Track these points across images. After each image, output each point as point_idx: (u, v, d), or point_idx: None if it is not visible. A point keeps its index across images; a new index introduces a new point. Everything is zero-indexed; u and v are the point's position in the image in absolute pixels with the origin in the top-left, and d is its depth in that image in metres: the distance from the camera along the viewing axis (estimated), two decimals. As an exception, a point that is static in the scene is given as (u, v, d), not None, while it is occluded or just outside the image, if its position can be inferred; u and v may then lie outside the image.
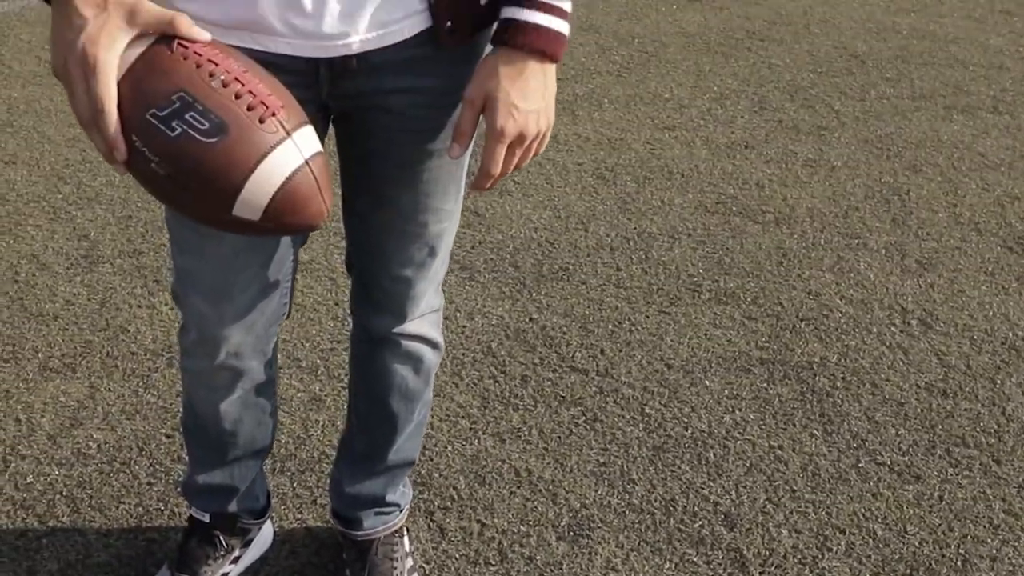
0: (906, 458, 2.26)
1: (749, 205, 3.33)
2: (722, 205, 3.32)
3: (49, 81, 4.02)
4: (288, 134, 1.13)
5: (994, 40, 5.07)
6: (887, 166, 3.66)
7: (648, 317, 2.71)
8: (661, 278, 2.89)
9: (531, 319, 2.68)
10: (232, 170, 1.10)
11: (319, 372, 2.43)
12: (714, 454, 2.24)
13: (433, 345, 1.66)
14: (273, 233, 1.18)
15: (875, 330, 2.70)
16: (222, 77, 1.11)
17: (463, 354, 2.52)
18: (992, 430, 2.36)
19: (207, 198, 1.12)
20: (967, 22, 5.37)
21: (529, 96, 1.28)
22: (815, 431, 2.32)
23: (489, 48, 1.32)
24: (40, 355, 2.44)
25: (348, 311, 2.64)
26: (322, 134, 1.39)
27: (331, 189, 1.19)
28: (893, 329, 2.71)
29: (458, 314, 2.68)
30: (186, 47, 1.12)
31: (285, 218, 1.15)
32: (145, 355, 2.45)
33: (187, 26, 1.12)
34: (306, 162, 1.14)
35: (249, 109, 1.11)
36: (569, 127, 3.85)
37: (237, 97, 1.11)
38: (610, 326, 2.66)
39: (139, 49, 1.12)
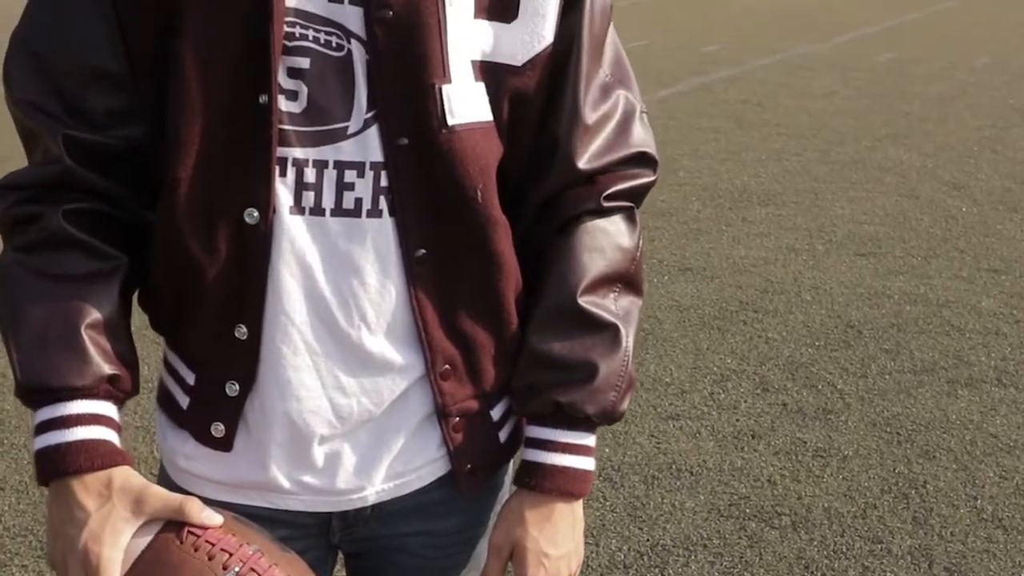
0: None
1: (763, 506, 3.21)
2: (735, 507, 3.21)
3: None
4: None
5: (985, 302, 5.10)
6: (899, 453, 3.57)
7: (671, 652, 2.54)
8: (680, 601, 2.74)
9: (546, 660, 2.51)
10: None
11: None
12: None
13: None
14: None
15: (913, 658, 2.54)
16: (237, 568, 1.03)
17: None
18: None
19: None
20: (956, 282, 5.42)
21: (559, 541, 1.19)
22: None
23: (509, 486, 1.25)
24: None
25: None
26: (330, 571, 1.30)
27: None
28: (932, 656, 2.55)
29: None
30: (197, 535, 1.04)
31: None
32: None
33: (197, 512, 1.04)
34: None
35: None
36: (571, 420, 3.77)
37: None
38: (631, 666, 2.49)
39: (146, 538, 1.04)
